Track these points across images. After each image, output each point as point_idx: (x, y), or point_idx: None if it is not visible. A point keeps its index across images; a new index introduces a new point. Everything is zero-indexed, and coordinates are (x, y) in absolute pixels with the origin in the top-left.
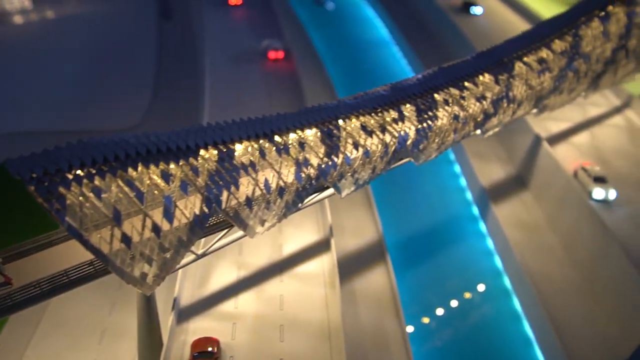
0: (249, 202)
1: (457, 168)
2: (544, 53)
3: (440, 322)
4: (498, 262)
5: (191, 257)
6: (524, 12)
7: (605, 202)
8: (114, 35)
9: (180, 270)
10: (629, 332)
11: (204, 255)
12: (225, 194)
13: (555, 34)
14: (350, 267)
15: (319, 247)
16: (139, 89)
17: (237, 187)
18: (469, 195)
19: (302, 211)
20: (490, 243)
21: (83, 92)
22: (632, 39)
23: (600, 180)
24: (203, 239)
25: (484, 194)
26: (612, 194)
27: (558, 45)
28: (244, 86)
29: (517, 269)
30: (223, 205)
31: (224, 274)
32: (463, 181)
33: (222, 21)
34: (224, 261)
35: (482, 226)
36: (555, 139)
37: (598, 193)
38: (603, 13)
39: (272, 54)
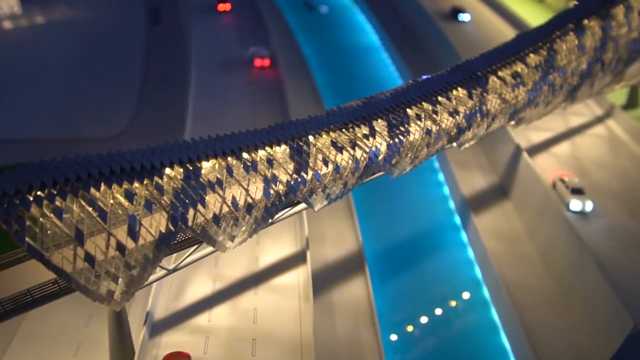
0: (217, 219)
1: (441, 177)
2: (519, 67)
3: (417, 332)
4: (478, 272)
5: (162, 272)
6: (512, 19)
7: (582, 213)
8: (102, 40)
9: (154, 283)
10: (601, 345)
11: (175, 270)
12: (191, 211)
13: (530, 48)
14: (329, 278)
15: (296, 259)
16: (125, 96)
17: (204, 205)
18: (451, 204)
19: (280, 223)
20: (470, 253)
21: (68, 99)
22: (608, 52)
23: (577, 191)
24: (175, 253)
25: (465, 203)
26: (589, 206)
27: (533, 59)
28: (229, 95)
29: (495, 280)
30: (190, 223)
31: (199, 287)
32: (447, 190)
33: (210, 27)
34: (200, 274)
35: (464, 236)
36: (536, 149)
37: (575, 205)
38: (578, 27)
39: (258, 62)
